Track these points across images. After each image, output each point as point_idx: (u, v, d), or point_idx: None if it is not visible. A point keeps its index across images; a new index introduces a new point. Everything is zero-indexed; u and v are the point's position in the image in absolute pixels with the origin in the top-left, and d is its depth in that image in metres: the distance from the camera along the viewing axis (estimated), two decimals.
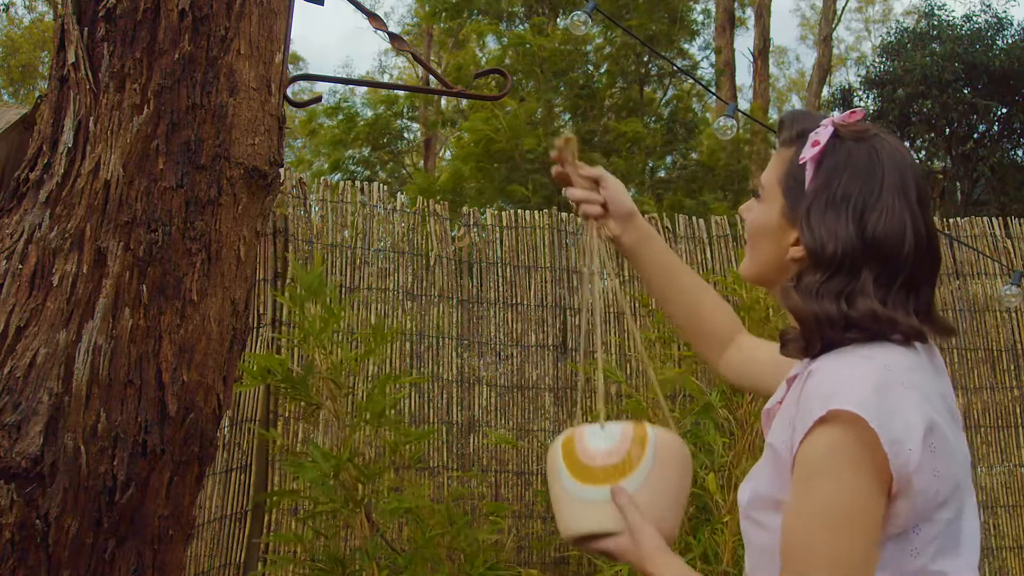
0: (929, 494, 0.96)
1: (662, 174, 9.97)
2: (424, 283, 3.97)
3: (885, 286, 1.02)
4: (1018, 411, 4.43)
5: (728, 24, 13.89)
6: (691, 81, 10.28)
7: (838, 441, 0.94)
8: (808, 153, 1.06)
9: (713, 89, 13.13)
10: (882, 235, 1.02)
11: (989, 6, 11.98)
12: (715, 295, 1.43)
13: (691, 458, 1.24)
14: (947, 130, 11.67)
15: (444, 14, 10.93)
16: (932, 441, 0.96)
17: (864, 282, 1.01)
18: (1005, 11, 13.14)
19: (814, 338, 1.02)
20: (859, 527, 0.94)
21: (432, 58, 17.17)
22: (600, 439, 1.18)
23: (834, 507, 0.95)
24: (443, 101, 11.79)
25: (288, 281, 3.55)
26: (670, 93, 10.82)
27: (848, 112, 1.11)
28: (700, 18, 11.84)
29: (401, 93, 11.33)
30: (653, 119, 9.95)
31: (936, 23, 12.05)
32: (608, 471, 1.16)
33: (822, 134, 1.07)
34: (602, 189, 1.39)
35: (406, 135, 12.61)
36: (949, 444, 0.98)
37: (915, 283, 1.04)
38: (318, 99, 1.64)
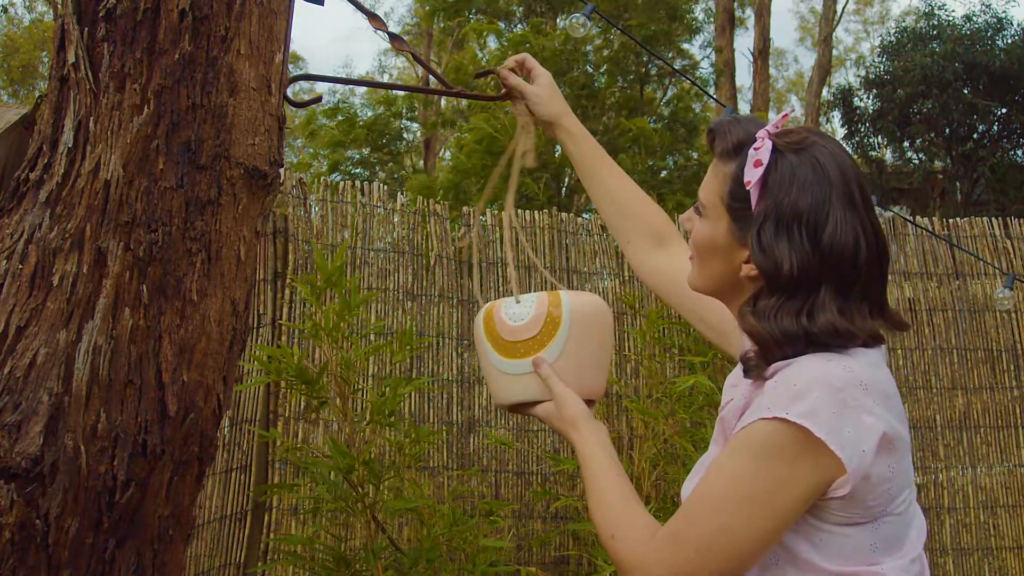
0: (883, 487, 0.99)
1: (664, 174, 9.97)
2: (424, 283, 3.97)
3: (842, 295, 1.03)
4: (1018, 411, 4.43)
5: (728, 24, 13.89)
6: (691, 79, 10.28)
7: (778, 437, 0.97)
8: (752, 175, 1.04)
9: (712, 89, 13.13)
10: (839, 248, 1.02)
11: (989, 6, 11.99)
12: (645, 196, 1.49)
13: (610, 314, 1.27)
14: (947, 130, 11.68)
15: (443, 13, 10.94)
16: (890, 438, 0.99)
17: (823, 296, 1.02)
18: (1005, 11, 13.15)
19: (775, 355, 1.02)
20: (765, 512, 0.97)
21: (432, 58, 17.17)
22: (516, 314, 1.21)
23: (749, 485, 0.98)
24: (443, 101, 11.80)
25: (288, 280, 3.55)
26: (670, 93, 10.82)
27: (780, 117, 1.09)
28: (700, 16, 11.82)
29: (400, 94, 11.32)
30: (654, 119, 9.96)
31: (936, 23, 12.05)
32: (528, 344, 1.19)
33: (763, 152, 1.05)
34: (535, 89, 1.53)
35: (406, 136, 12.60)
36: (903, 437, 1.01)
37: (869, 285, 1.05)
38: (318, 99, 1.64)
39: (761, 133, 1.07)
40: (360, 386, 3.59)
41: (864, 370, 0.99)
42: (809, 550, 1.00)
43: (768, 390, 1.00)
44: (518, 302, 1.22)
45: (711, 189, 1.12)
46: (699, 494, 1.02)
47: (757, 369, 1.04)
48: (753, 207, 1.05)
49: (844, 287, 1.03)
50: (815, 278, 1.02)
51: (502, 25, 10.49)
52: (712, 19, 13.78)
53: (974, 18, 11.90)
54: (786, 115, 1.10)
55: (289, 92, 1.55)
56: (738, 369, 1.19)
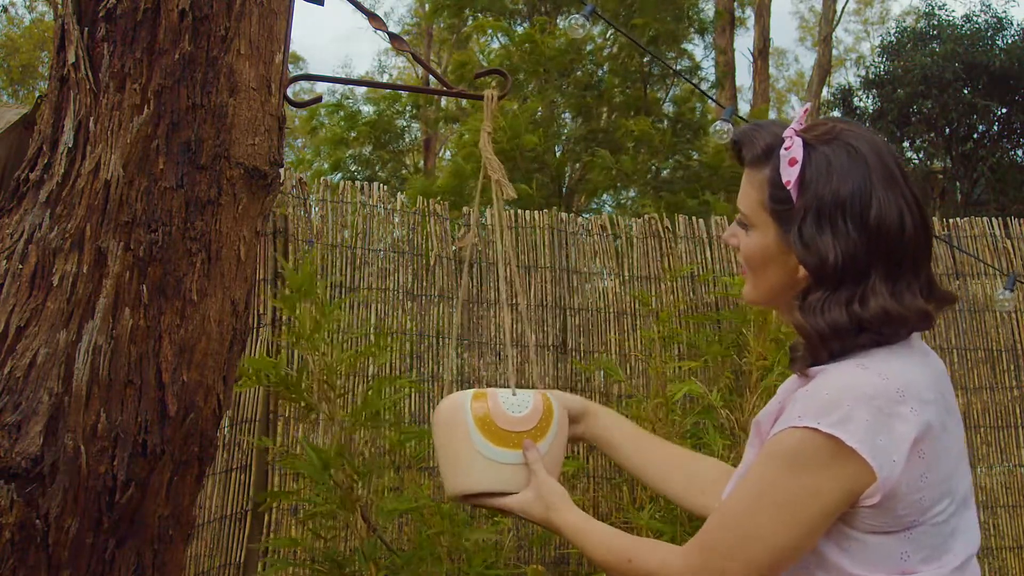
0: (913, 497, 0.98)
1: (665, 174, 9.96)
2: (424, 283, 3.97)
3: (892, 278, 1.01)
4: (1018, 411, 4.43)
5: (728, 24, 13.88)
6: (694, 81, 10.26)
7: (808, 447, 0.96)
8: (790, 175, 1.04)
9: (714, 90, 13.12)
10: (886, 227, 1.01)
11: (989, 6, 11.98)
12: (690, 452, 1.40)
13: None
14: (947, 130, 11.67)
15: (446, 11, 10.91)
16: (921, 448, 0.97)
17: (874, 282, 1.01)
18: (1005, 11, 13.15)
19: (821, 353, 1.01)
20: (793, 521, 0.97)
21: (432, 57, 17.17)
22: (516, 407, 1.26)
23: (779, 494, 0.98)
24: (443, 101, 11.80)
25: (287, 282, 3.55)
26: (673, 93, 10.80)
27: (801, 112, 1.09)
28: (710, 16, 11.77)
29: (404, 93, 11.31)
30: (655, 119, 9.94)
31: (936, 23, 12.04)
32: (522, 437, 1.24)
33: (795, 150, 1.04)
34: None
35: (407, 135, 12.59)
36: (940, 446, 0.99)
37: (918, 261, 1.04)
38: (318, 99, 1.64)
39: (788, 132, 1.06)
40: (356, 387, 3.59)
41: (901, 375, 0.98)
42: (838, 555, 1.00)
43: (800, 398, 0.99)
44: (514, 394, 1.26)
45: (751, 199, 1.10)
46: (730, 502, 1.03)
47: (802, 362, 1.03)
48: (795, 205, 1.04)
49: (893, 268, 1.01)
50: (864, 265, 1.01)
51: (505, 23, 10.46)
52: (715, 19, 13.76)
53: (974, 18, 11.89)
54: (807, 110, 1.09)
55: (289, 92, 1.55)
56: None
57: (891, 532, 0.99)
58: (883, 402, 0.95)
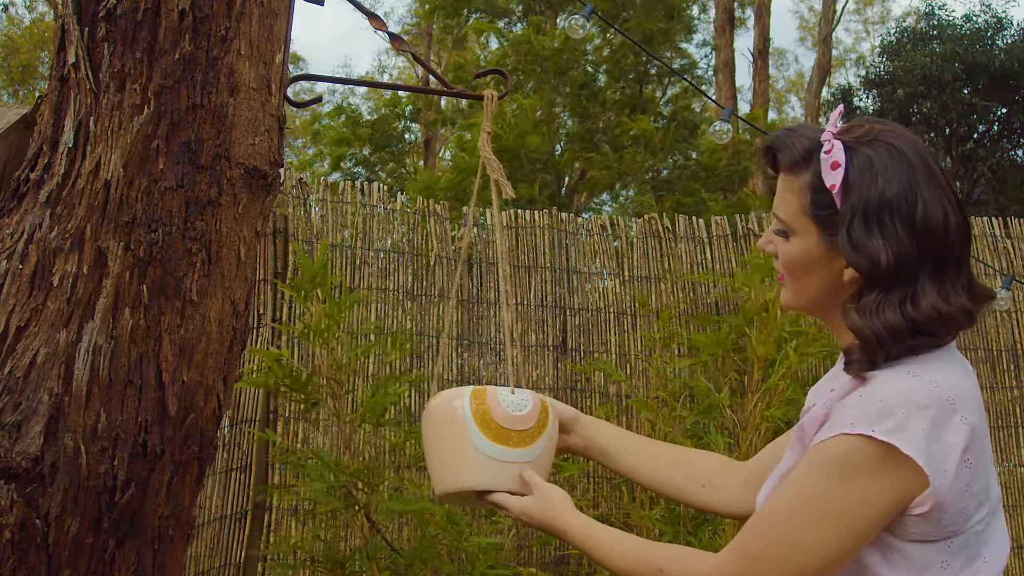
0: (959, 507, 0.97)
1: (664, 173, 9.96)
2: (424, 283, 3.97)
3: (939, 278, 1.01)
4: (1018, 411, 4.43)
5: (728, 24, 13.88)
6: (688, 78, 10.28)
7: (860, 454, 0.95)
8: (835, 179, 1.02)
9: (712, 90, 13.13)
10: (932, 227, 1.00)
11: (989, 6, 11.97)
12: (683, 448, 1.39)
13: None
14: (947, 130, 11.66)
15: (442, 12, 10.94)
16: (968, 457, 0.97)
17: (922, 281, 1.00)
18: (1005, 11, 13.13)
19: (878, 355, 1.00)
20: (841, 530, 0.96)
21: (432, 57, 17.16)
22: (515, 405, 1.27)
23: (827, 503, 0.96)
24: (443, 101, 11.80)
25: (289, 278, 3.55)
26: (670, 92, 10.81)
27: (835, 114, 1.07)
28: (697, 14, 11.80)
29: (404, 94, 11.33)
30: (653, 119, 9.95)
31: (936, 23, 12.03)
32: (521, 435, 1.25)
33: (836, 153, 1.03)
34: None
35: (407, 136, 12.61)
36: (982, 454, 0.99)
37: (960, 262, 1.03)
38: (319, 99, 1.64)
39: (826, 135, 1.05)
40: (357, 386, 3.59)
41: (952, 383, 0.98)
42: (880, 563, 1.00)
43: (852, 404, 0.98)
44: (513, 393, 1.27)
45: (791, 205, 1.08)
46: (772, 510, 1.01)
47: (859, 365, 1.02)
48: (839, 208, 1.03)
49: (939, 268, 1.01)
50: (914, 265, 1.00)
51: (501, 24, 10.48)
52: (711, 17, 13.78)
53: (974, 18, 11.88)
54: (839, 111, 1.08)
55: (289, 92, 1.55)
56: (826, 376, 1.17)
57: (933, 541, 0.98)
58: (936, 411, 0.95)
